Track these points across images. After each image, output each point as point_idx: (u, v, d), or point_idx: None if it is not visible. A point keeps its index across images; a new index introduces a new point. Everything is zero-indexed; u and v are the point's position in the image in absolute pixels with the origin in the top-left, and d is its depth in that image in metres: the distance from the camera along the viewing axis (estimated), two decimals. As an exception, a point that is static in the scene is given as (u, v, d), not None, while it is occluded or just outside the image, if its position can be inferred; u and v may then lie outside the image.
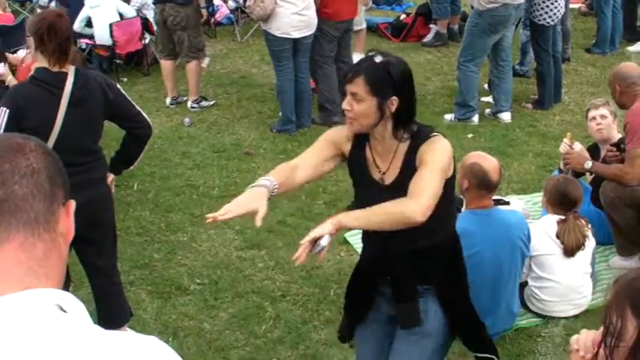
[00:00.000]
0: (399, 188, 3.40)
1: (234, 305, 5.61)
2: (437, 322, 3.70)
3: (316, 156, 3.65)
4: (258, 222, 3.20)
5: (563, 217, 5.38)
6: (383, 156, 3.56)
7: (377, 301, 3.82)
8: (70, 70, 4.50)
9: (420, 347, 3.71)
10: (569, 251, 5.33)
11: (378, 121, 3.44)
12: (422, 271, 3.63)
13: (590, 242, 5.43)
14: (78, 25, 10.69)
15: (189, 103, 9.59)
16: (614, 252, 6.12)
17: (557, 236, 5.34)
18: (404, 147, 3.49)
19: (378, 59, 3.41)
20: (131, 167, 5.10)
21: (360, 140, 3.60)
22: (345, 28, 9.04)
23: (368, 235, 3.75)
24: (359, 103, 3.39)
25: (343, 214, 3.34)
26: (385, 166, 3.54)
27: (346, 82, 3.44)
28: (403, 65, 3.47)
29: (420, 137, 3.47)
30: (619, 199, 5.75)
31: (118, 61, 11.03)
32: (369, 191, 3.60)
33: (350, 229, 3.30)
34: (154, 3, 9.52)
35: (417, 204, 3.26)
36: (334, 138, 3.67)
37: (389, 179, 3.54)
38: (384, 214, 3.31)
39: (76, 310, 1.41)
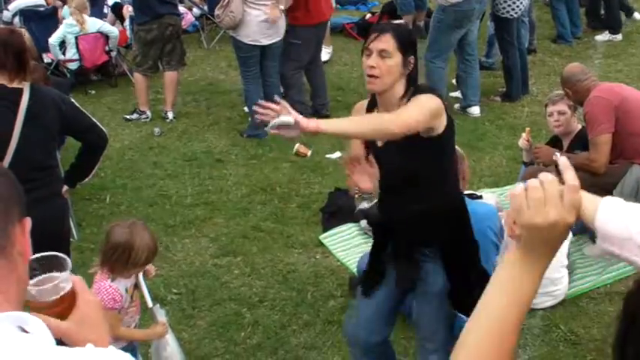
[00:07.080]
0: (392, 148, 3.64)
1: (212, 313, 5.58)
2: (440, 281, 3.86)
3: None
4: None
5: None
6: None
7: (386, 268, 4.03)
8: (26, 86, 4.47)
9: (435, 307, 3.93)
10: None
11: (398, 79, 3.60)
12: (422, 235, 3.79)
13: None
14: (54, 41, 10.52)
15: (169, 115, 9.45)
16: (587, 241, 6.14)
17: None
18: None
19: (399, 22, 3.60)
20: (85, 180, 5.07)
21: (371, 107, 3.80)
22: (321, 30, 9.05)
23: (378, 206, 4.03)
24: (386, 60, 3.56)
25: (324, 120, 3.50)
26: None
27: (372, 40, 3.59)
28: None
29: (414, 94, 3.61)
30: (592, 189, 5.75)
31: (92, 76, 10.95)
32: (370, 149, 3.81)
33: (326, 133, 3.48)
34: (144, 21, 9.13)
35: (395, 116, 3.45)
36: (360, 110, 3.89)
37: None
38: (362, 121, 3.58)
39: (39, 330, 1.38)
